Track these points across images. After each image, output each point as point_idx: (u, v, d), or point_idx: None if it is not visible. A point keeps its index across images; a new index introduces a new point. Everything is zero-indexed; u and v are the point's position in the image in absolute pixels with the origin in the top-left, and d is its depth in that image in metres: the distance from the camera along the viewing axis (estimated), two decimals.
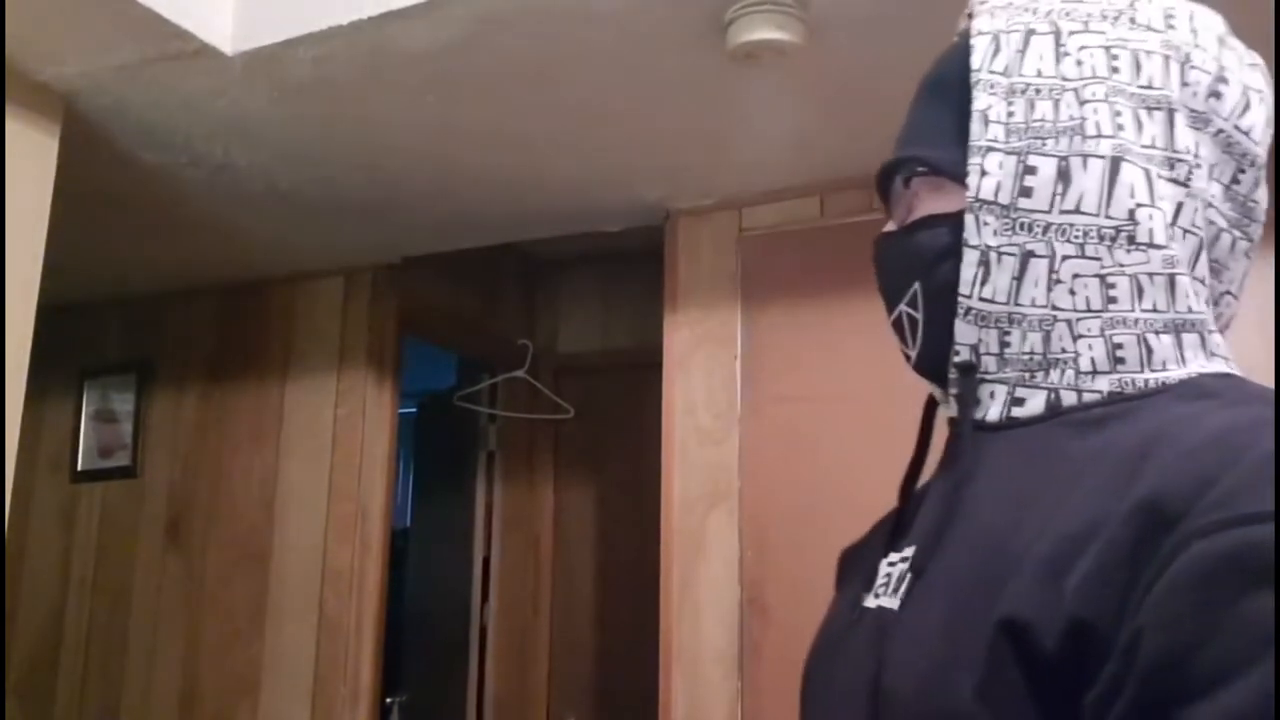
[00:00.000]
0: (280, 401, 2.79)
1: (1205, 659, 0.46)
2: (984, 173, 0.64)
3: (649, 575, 2.23)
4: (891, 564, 0.70)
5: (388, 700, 2.84)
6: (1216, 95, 0.64)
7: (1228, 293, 0.67)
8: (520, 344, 3.19)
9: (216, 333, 2.94)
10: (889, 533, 0.73)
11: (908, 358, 0.72)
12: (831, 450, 2.03)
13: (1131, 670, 0.48)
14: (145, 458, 2.94)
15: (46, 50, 1.63)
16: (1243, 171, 0.65)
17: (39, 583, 3.00)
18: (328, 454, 2.70)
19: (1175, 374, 0.61)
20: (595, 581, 3.14)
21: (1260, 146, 0.65)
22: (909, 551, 0.67)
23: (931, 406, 0.75)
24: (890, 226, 0.74)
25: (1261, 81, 0.66)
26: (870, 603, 0.69)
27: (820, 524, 2.01)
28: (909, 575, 0.64)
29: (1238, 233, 0.66)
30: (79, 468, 3.03)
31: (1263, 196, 0.66)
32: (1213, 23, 0.67)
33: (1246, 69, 0.66)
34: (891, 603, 0.65)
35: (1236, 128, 0.64)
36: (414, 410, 3.72)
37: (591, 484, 3.21)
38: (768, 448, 2.12)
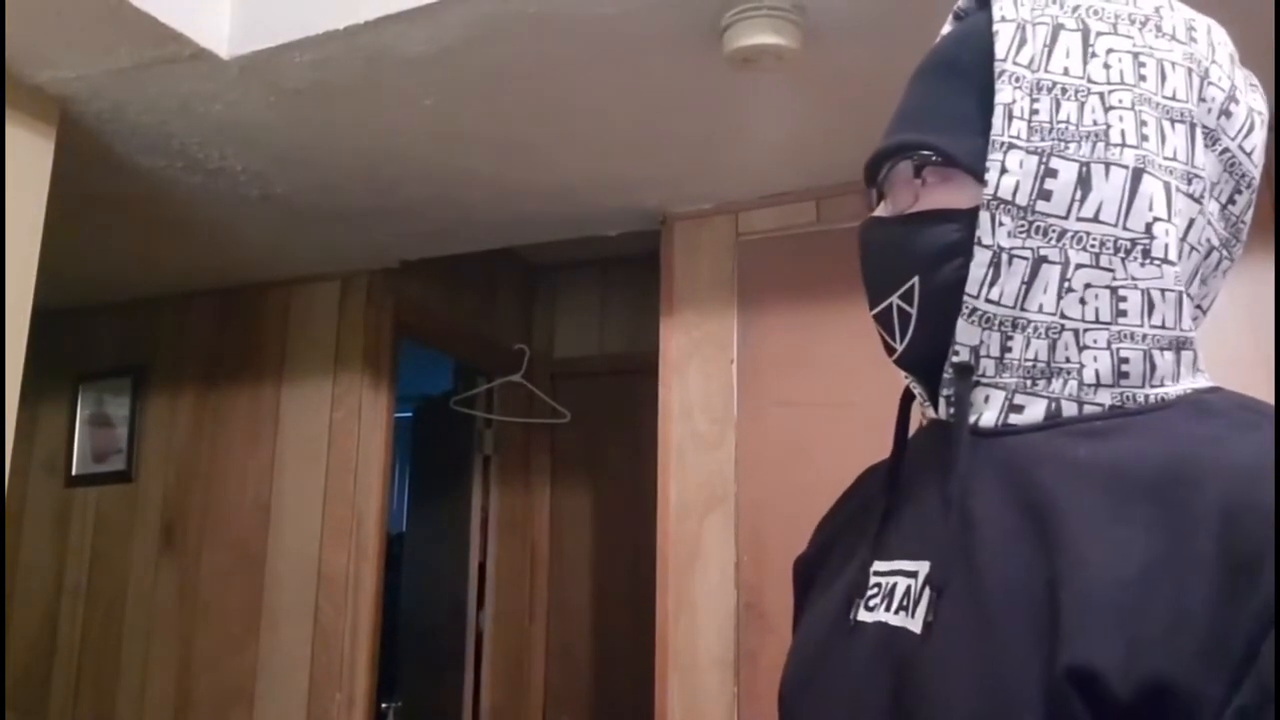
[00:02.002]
0: (276, 405, 2.78)
1: None
2: (1004, 170, 0.62)
3: (645, 580, 2.23)
4: (881, 574, 0.67)
5: (383, 706, 2.83)
6: (1227, 114, 0.64)
7: (1198, 307, 0.68)
8: (517, 348, 3.19)
9: (212, 337, 2.93)
10: (874, 538, 0.70)
11: (890, 350, 0.70)
12: (828, 455, 2.03)
13: None
14: (140, 462, 2.94)
15: (43, 54, 1.63)
16: (1239, 192, 0.65)
17: (33, 588, 2.99)
18: (323, 458, 2.69)
19: (1173, 390, 0.61)
20: (591, 586, 3.13)
21: (1258, 169, 0.65)
22: (910, 565, 0.65)
23: (905, 403, 0.74)
24: (883, 211, 0.70)
25: (1262, 104, 0.66)
26: (865, 616, 0.67)
27: None
28: (927, 593, 0.61)
29: (1225, 252, 0.66)
30: (74, 472, 3.02)
31: (1249, 220, 0.67)
32: (1226, 40, 0.67)
33: (1250, 90, 0.66)
34: (905, 622, 0.62)
35: (1241, 148, 0.64)
36: (410, 414, 3.72)
37: (588, 489, 3.20)
38: (764, 452, 2.12)
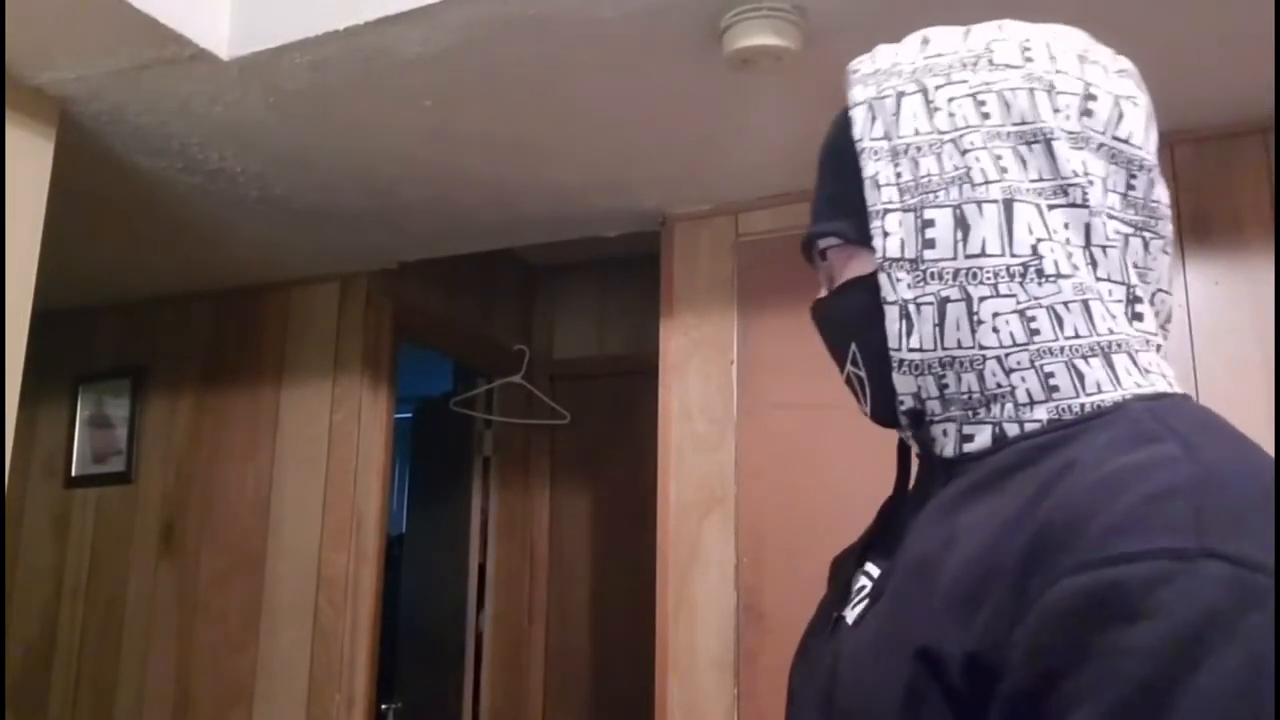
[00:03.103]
0: (275, 407, 2.78)
1: (1061, 691, 0.49)
2: (886, 233, 0.67)
3: (645, 581, 2.23)
4: (862, 576, 0.75)
5: (383, 707, 2.83)
6: (1088, 113, 0.66)
7: (1160, 290, 0.69)
8: (516, 349, 3.19)
9: (211, 338, 2.93)
10: (863, 547, 0.78)
11: (864, 412, 0.76)
12: (827, 456, 2.03)
13: (996, 699, 0.52)
14: (140, 463, 2.94)
15: (42, 55, 1.63)
16: (1134, 177, 0.66)
17: (32, 589, 2.99)
18: (323, 460, 2.69)
19: (1110, 396, 0.62)
20: (591, 587, 3.13)
21: (1144, 150, 0.67)
22: (874, 569, 0.72)
23: (905, 443, 0.79)
24: (821, 293, 0.79)
25: (1132, 87, 0.68)
26: (844, 614, 0.74)
27: (816, 530, 2.01)
28: (869, 596, 0.68)
29: (1148, 234, 0.67)
30: (73, 473, 3.02)
31: (1162, 195, 0.68)
32: (1071, 43, 0.68)
33: (1114, 78, 0.67)
34: (850, 616, 0.70)
35: (1115, 138, 0.66)
36: (410, 415, 3.72)
37: (587, 490, 3.21)
38: (764, 454, 2.12)
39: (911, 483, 0.79)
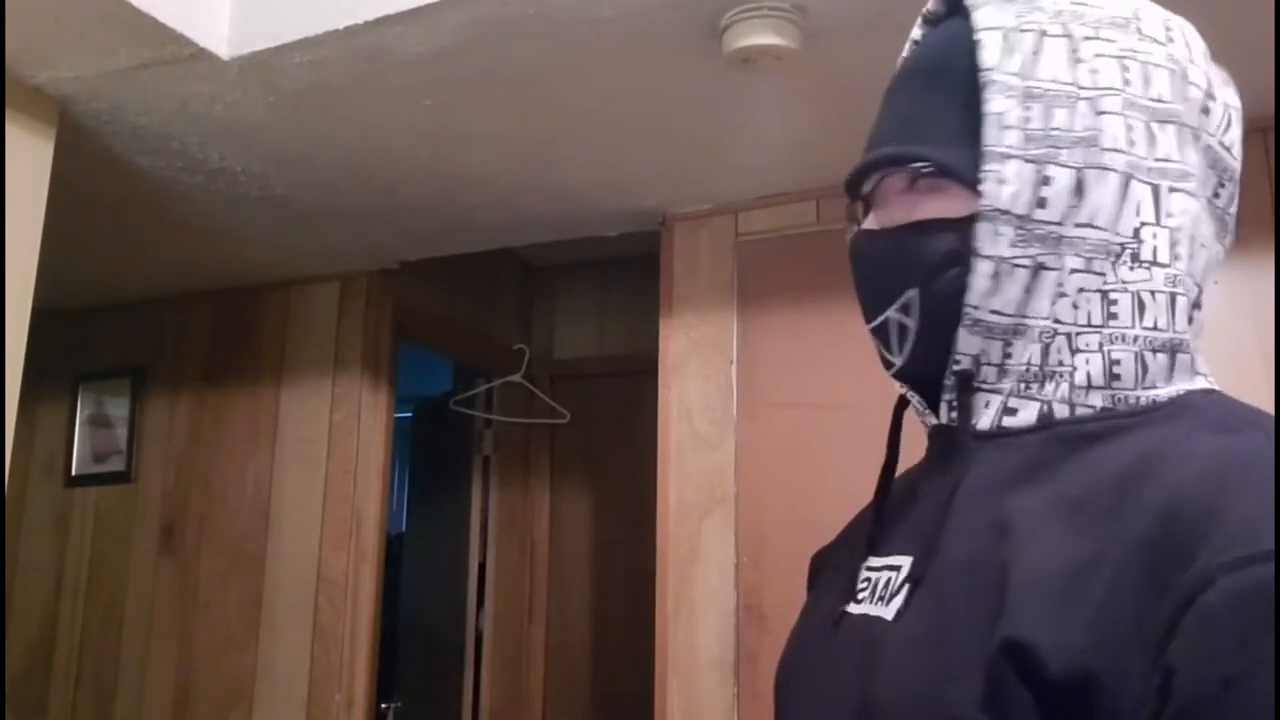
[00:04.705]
0: (275, 407, 2.78)
1: (1249, 693, 0.45)
2: (1002, 180, 0.61)
3: (645, 581, 2.23)
4: (873, 569, 0.69)
5: (383, 706, 2.83)
6: (1206, 111, 0.65)
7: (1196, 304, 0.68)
8: (516, 349, 3.19)
9: (211, 337, 2.93)
10: (868, 537, 0.72)
11: (888, 364, 0.70)
12: (828, 456, 2.03)
13: (1167, 706, 0.47)
14: (140, 463, 2.94)
15: (42, 54, 1.63)
16: (1223, 186, 0.66)
17: (32, 589, 2.99)
18: (323, 459, 2.69)
19: (1164, 392, 0.61)
20: (591, 587, 3.13)
21: (1237, 163, 0.67)
22: (899, 560, 0.66)
23: (899, 409, 0.75)
24: (872, 224, 0.69)
25: (1235, 99, 0.68)
26: (853, 609, 0.69)
27: (817, 530, 2.00)
28: (906, 585, 0.63)
29: (1216, 246, 0.66)
30: (73, 473, 3.02)
31: (1235, 212, 0.68)
32: (1199, 37, 0.68)
33: (1225, 87, 0.67)
34: (881, 611, 0.64)
35: (1221, 143, 0.65)
36: (409, 415, 3.72)
37: (587, 489, 3.20)
38: (764, 453, 2.12)
39: (921, 460, 0.75)
